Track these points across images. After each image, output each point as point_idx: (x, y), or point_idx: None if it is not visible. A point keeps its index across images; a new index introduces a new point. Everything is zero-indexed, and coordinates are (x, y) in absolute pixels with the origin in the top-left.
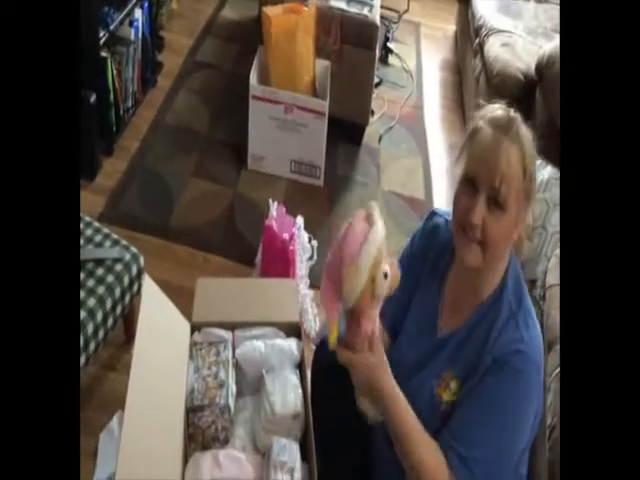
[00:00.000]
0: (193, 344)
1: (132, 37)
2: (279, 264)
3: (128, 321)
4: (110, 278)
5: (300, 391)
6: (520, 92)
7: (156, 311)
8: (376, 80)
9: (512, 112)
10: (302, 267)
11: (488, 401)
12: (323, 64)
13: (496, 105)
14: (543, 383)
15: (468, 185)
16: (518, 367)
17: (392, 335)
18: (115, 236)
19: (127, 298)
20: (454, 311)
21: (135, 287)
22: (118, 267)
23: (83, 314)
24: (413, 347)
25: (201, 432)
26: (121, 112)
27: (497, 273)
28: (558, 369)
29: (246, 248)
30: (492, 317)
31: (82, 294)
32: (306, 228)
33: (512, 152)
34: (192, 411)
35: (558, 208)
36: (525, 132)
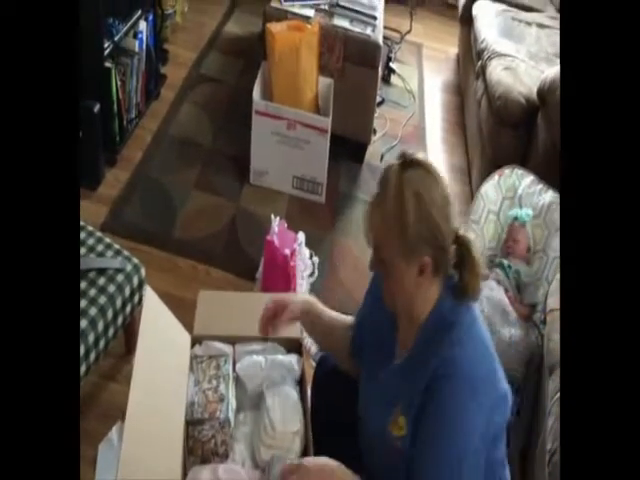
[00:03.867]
0: (194, 357)
1: (136, 49)
2: (280, 279)
3: (129, 332)
4: (112, 288)
5: (300, 407)
6: (522, 116)
7: (157, 323)
8: (378, 99)
9: (398, 164)
10: (303, 283)
11: (430, 435)
12: (326, 81)
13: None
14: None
15: None
16: (447, 393)
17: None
18: (117, 246)
19: (128, 309)
20: (404, 338)
21: (136, 298)
22: (119, 277)
23: (84, 323)
24: (374, 374)
25: (201, 445)
26: (124, 123)
27: (427, 300)
28: (559, 393)
29: (248, 262)
30: (429, 341)
31: (84, 303)
32: (307, 244)
33: (375, 214)
34: (192, 424)
35: (559, 233)
36: (401, 187)
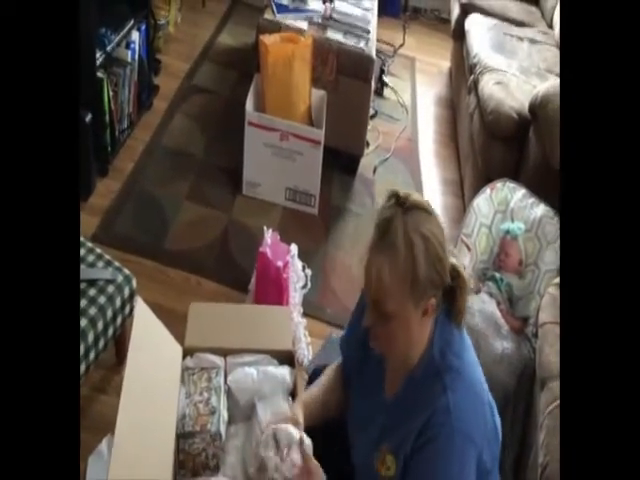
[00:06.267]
0: (185, 369)
1: (129, 59)
2: (273, 291)
3: (119, 343)
4: (102, 299)
5: None
6: (513, 130)
7: (148, 334)
8: (371, 112)
9: (399, 208)
10: (295, 295)
11: None
12: (319, 94)
13: (386, 195)
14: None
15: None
16: (443, 441)
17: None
18: (108, 257)
19: (119, 320)
20: (393, 376)
21: (127, 309)
22: (110, 288)
23: None
24: (361, 404)
25: (191, 459)
26: (116, 133)
27: (421, 341)
28: (551, 406)
29: (240, 274)
30: (420, 387)
31: None
32: (300, 256)
33: (383, 265)
34: (183, 437)
35: (551, 246)
36: (408, 232)
